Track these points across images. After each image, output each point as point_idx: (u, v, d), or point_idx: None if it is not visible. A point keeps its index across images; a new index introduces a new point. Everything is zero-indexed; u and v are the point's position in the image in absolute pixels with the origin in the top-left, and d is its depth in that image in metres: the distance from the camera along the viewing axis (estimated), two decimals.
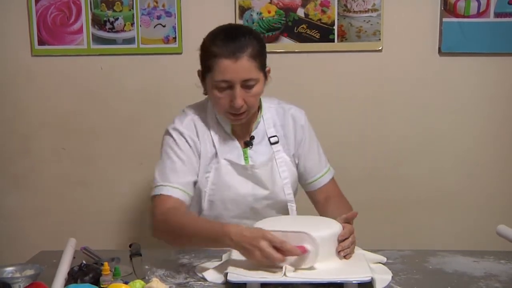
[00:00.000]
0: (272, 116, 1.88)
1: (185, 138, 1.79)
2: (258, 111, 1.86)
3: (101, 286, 1.38)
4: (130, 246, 1.78)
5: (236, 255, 1.59)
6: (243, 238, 1.44)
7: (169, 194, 1.72)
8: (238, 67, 1.65)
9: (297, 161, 1.90)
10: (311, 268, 1.45)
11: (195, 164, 1.79)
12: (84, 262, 1.48)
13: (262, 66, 1.73)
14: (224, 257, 1.65)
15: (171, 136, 1.80)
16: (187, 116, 1.84)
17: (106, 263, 1.42)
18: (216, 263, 1.60)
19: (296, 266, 1.44)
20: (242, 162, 1.82)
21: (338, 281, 1.41)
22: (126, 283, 1.36)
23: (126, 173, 2.66)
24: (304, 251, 1.43)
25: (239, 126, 1.82)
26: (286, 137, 1.88)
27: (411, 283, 1.48)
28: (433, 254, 1.72)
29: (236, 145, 1.83)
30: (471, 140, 2.60)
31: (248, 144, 1.84)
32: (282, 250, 1.41)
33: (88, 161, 2.67)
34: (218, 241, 1.50)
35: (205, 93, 1.80)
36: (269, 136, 1.86)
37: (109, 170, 2.67)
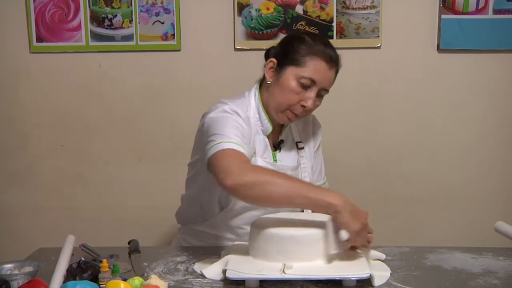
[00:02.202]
0: (296, 123, 1.89)
1: (243, 120, 1.69)
2: None
3: (100, 283, 1.38)
4: (128, 243, 1.78)
5: (235, 251, 1.59)
6: (352, 205, 1.48)
7: (239, 150, 1.57)
8: (329, 74, 1.72)
9: None
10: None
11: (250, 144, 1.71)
12: (82, 259, 1.47)
13: None
14: (223, 254, 1.65)
15: (230, 113, 1.68)
16: (236, 108, 1.71)
17: (104, 260, 1.41)
18: (215, 260, 1.59)
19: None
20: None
21: (337, 278, 1.41)
22: (124, 280, 1.35)
23: (124, 170, 2.66)
24: None
25: (274, 129, 1.81)
26: (307, 143, 1.91)
27: (410, 279, 1.48)
28: (432, 251, 1.73)
29: (268, 147, 1.82)
30: (470, 136, 2.60)
31: (277, 147, 1.84)
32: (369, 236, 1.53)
33: (87, 158, 2.66)
34: (320, 199, 1.46)
35: (269, 81, 1.76)
36: (296, 141, 1.88)
37: (107, 167, 2.67)
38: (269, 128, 1.80)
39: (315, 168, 1.93)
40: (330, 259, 1.50)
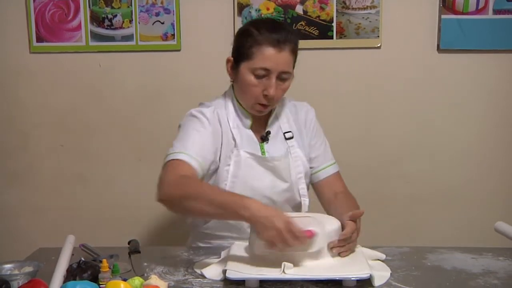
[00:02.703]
0: (285, 113, 1.90)
1: (209, 122, 1.76)
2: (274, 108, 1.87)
3: (100, 283, 1.38)
4: (128, 243, 1.78)
5: (235, 251, 1.59)
6: (263, 212, 1.43)
7: (187, 161, 1.66)
8: (280, 57, 1.70)
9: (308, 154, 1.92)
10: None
11: (216, 147, 1.77)
12: (82, 259, 1.47)
13: (294, 64, 1.78)
14: (223, 254, 1.65)
15: (196, 117, 1.77)
16: (209, 107, 1.81)
17: (104, 260, 1.41)
18: (215, 260, 1.60)
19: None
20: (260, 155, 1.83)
21: (337, 278, 1.41)
22: (124, 280, 1.35)
23: (125, 170, 2.66)
24: (311, 234, 1.44)
25: (257, 121, 1.84)
26: (300, 132, 1.90)
27: (410, 279, 1.48)
28: (432, 251, 1.73)
29: (254, 139, 1.84)
30: (470, 136, 2.60)
31: (264, 138, 1.86)
32: (296, 236, 1.41)
33: (87, 158, 2.66)
34: (234, 212, 1.47)
35: (232, 81, 1.84)
36: (284, 131, 1.88)
37: (107, 167, 2.67)
38: (248, 122, 1.83)
39: (317, 153, 1.91)
40: (330, 259, 1.50)
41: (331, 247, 1.52)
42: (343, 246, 1.54)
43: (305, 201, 1.88)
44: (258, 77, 1.72)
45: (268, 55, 1.70)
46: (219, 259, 1.61)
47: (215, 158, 1.76)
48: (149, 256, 1.67)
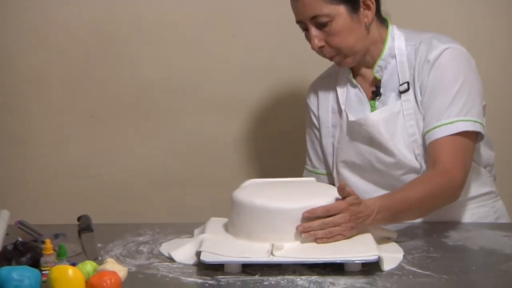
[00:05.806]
0: (408, 57, 1.84)
1: (311, 112, 2.03)
2: (381, 53, 1.86)
3: (42, 268, 1.37)
4: (78, 219, 1.78)
5: (211, 229, 1.59)
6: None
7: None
8: (300, 4, 1.80)
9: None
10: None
11: (318, 141, 2.02)
12: (20, 239, 1.47)
13: None
14: (197, 232, 1.65)
15: (307, 123, 2.08)
16: (314, 82, 2.05)
17: (48, 241, 1.41)
18: (187, 240, 1.60)
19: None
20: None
21: (338, 261, 1.41)
22: (73, 264, 1.35)
23: (73, 129, 2.63)
24: None
25: (360, 73, 1.91)
26: (415, 80, 1.82)
27: (427, 262, 1.49)
28: (455, 227, 1.74)
29: (361, 96, 1.88)
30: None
31: (376, 94, 1.87)
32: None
33: (22, 114, 2.62)
34: None
35: None
36: (400, 82, 1.83)
37: (51, 126, 2.63)
38: (349, 77, 1.91)
39: (425, 111, 1.79)
40: None
41: (299, 231, 1.48)
42: (321, 229, 1.48)
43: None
44: (303, 31, 1.85)
45: (293, 8, 1.82)
46: (192, 238, 1.61)
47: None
48: (104, 235, 1.68)
